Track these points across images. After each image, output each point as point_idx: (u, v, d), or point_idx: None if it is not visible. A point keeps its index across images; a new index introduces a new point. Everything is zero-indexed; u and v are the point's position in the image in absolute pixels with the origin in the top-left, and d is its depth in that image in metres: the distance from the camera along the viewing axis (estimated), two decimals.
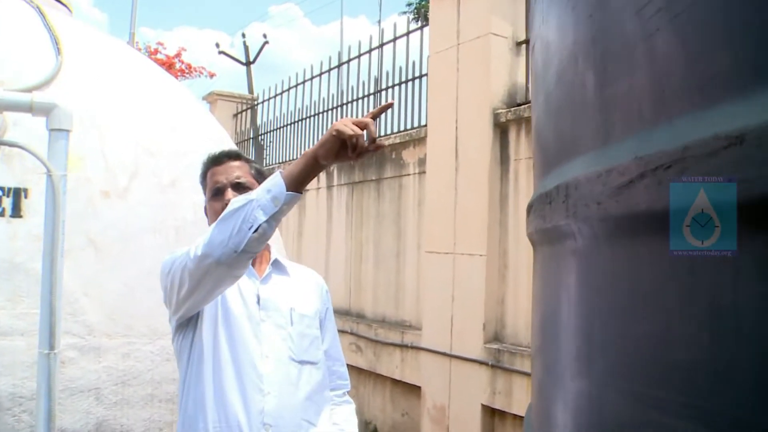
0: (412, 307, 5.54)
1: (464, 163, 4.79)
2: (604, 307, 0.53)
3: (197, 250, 1.58)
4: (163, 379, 2.23)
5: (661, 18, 0.43)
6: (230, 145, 2.99)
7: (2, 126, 2.09)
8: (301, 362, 1.85)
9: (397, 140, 5.84)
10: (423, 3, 20.60)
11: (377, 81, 6.67)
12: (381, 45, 6.66)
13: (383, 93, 6.49)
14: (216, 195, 1.87)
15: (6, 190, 2.09)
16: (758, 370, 0.38)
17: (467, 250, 4.66)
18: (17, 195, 2.10)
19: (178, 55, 23.30)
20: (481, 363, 4.47)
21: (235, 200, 1.58)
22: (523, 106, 4.49)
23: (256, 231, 1.52)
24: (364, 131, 1.52)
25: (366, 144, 1.53)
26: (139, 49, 18.05)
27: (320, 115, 7.64)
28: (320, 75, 7.67)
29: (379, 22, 11.90)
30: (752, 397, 0.38)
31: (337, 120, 7.16)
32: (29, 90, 2.13)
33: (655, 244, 0.44)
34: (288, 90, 8.38)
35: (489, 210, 4.54)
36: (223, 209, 1.75)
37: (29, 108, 1.88)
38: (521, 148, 4.51)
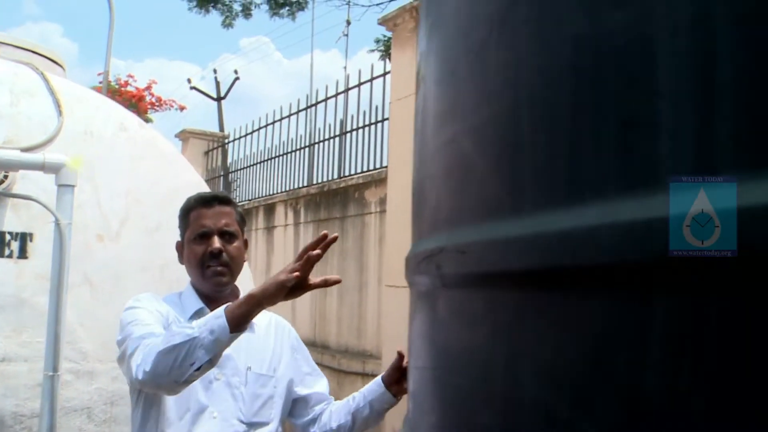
0: (373, 337, 5.87)
1: None
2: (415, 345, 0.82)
3: (138, 371, 1.57)
4: None
5: (448, 142, 0.70)
6: (203, 189, 3.33)
7: (12, 180, 2.42)
8: (250, 424, 1.80)
9: (360, 180, 6.23)
10: (390, 41, 21.23)
11: (342, 123, 7.08)
12: (347, 90, 7.09)
13: (348, 135, 6.90)
14: (201, 238, 1.83)
15: (14, 234, 2.42)
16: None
17: None
18: (24, 239, 2.43)
19: (148, 87, 23.38)
20: None
21: (177, 331, 1.57)
22: None
23: (198, 369, 1.53)
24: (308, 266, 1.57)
25: (315, 282, 1.61)
26: (110, 82, 18.20)
27: (289, 155, 8.02)
28: (289, 116, 8.07)
29: (345, 68, 12.42)
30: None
31: (306, 156, 7.37)
32: (35, 147, 2.48)
33: (432, 300, 0.75)
34: (258, 129, 8.76)
35: None
36: (204, 253, 1.81)
37: (42, 167, 2.23)
38: None
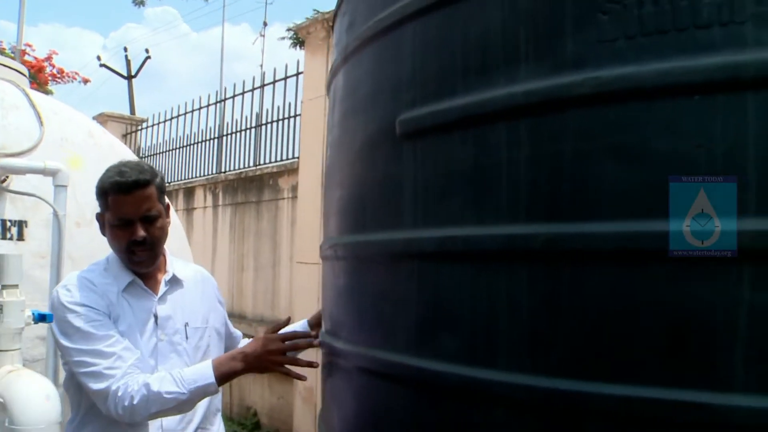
0: (286, 308, 6.63)
1: None
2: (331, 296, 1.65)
3: (118, 407, 1.69)
4: None
5: None
6: None
7: (11, 179, 3.12)
8: None
9: (275, 169, 6.99)
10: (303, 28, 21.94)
11: (258, 116, 7.80)
12: (262, 86, 7.76)
13: (263, 127, 7.63)
14: (123, 226, 1.84)
15: (13, 221, 3.12)
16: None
17: None
18: (20, 225, 3.14)
19: (48, 58, 22.50)
20: None
21: (168, 394, 1.69)
22: None
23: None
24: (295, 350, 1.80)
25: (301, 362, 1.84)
26: (4, 50, 17.39)
27: (203, 143, 8.68)
28: (200, 108, 8.72)
29: (261, 66, 13.07)
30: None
31: (216, 145, 8.02)
32: (24, 152, 3.18)
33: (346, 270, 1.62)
34: (173, 118, 9.35)
35: None
36: (130, 239, 1.84)
37: (42, 171, 2.95)
38: None
